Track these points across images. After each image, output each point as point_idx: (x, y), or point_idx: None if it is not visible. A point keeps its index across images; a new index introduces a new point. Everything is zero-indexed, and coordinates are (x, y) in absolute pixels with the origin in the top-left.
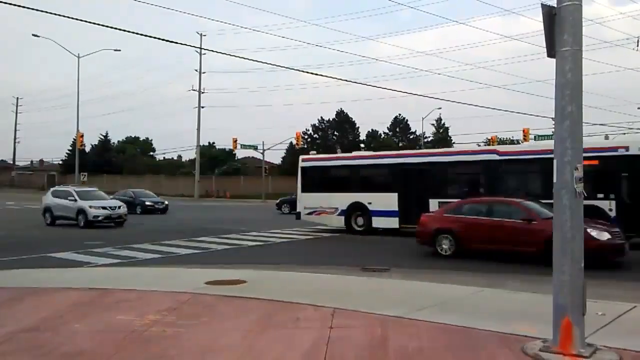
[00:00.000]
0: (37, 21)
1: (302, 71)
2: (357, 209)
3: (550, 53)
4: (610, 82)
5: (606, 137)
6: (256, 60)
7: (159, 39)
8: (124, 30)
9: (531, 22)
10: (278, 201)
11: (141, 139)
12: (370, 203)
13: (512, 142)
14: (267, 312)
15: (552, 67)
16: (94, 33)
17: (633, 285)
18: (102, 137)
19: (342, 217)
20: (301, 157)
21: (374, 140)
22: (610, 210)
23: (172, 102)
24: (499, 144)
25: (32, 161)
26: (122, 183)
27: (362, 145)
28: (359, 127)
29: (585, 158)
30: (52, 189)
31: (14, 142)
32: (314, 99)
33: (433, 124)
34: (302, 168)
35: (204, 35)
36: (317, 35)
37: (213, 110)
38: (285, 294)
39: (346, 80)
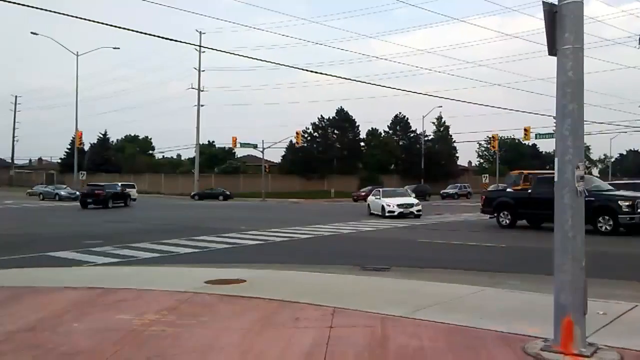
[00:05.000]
0: (35, 19)
1: (303, 69)
2: None
3: (552, 51)
4: (611, 80)
5: None
6: (256, 59)
7: (158, 37)
8: (123, 28)
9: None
10: None
11: (140, 138)
12: None
13: (513, 140)
14: (267, 312)
15: (553, 65)
16: (93, 31)
17: (633, 284)
18: (101, 136)
19: None
20: None
21: (374, 139)
22: None
23: (171, 101)
24: (500, 142)
25: (30, 160)
26: (121, 182)
27: (362, 143)
28: (359, 126)
29: None
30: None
31: (13, 141)
32: (314, 97)
33: (433, 122)
34: None
35: (204, 34)
36: (316, 34)
37: (213, 108)
38: (285, 293)
39: (346, 79)
